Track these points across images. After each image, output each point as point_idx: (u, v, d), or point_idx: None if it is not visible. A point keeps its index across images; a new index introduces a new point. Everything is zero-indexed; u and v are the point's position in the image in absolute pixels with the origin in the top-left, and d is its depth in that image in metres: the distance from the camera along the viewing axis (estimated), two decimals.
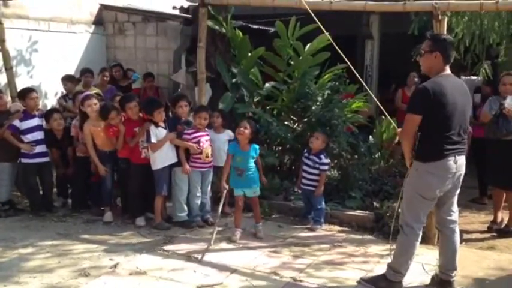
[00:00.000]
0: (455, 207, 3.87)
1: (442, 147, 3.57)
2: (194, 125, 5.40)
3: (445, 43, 3.67)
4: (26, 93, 5.81)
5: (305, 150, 5.68)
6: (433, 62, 3.66)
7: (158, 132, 5.24)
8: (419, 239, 3.79)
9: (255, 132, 5.01)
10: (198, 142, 5.29)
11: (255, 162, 5.05)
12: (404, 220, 3.77)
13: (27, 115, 5.72)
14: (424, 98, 3.55)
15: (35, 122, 5.74)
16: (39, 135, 5.73)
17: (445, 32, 4.68)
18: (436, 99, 3.51)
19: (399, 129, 3.96)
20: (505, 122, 5.12)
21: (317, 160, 5.42)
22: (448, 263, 3.87)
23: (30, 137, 5.67)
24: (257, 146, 5.04)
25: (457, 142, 3.62)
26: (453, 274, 3.85)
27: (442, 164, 3.58)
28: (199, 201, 5.45)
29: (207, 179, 5.50)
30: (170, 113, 6.22)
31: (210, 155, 5.33)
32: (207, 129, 5.48)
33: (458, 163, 3.64)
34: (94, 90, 6.75)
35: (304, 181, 5.52)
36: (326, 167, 5.50)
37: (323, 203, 5.44)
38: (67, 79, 7.31)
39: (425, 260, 4.37)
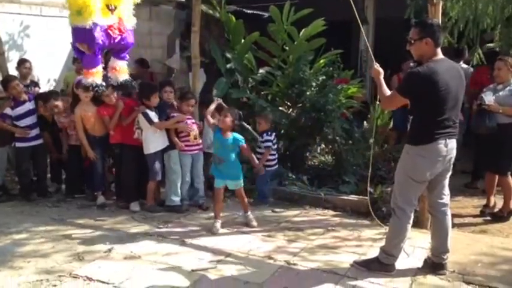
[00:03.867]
0: (446, 191, 3.89)
1: (433, 130, 3.58)
2: (180, 111, 5.40)
3: (433, 27, 3.63)
4: (7, 82, 5.74)
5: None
6: (424, 48, 3.63)
7: (152, 115, 5.24)
8: (411, 221, 3.82)
9: (239, 121, 4.97)
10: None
11: (240, 153, 4.94)
12: (396, 203, 3.79)
13: (17, 102, 5.68)
14: (414, 83, 3.55)
15: (26, 107, 5.71)
16: (32, 119, 5.73)
17: (440, 17, 4.66)
18: (427, 84, 3.49)
19: (384, 92, 3.78)
20: (484, 116, 5.12)
21: (261, 139, 5.64)
22: (440, 246, 3.90)
23: (23, 123, 5.66)
24: (239, 137, 4.87)
25: (448, 126, 3.62)
26: (445, 257, 3.89)
27: (432, 146, 3.60)
28: (187, 186, 5.47)
29: (197, 161, 5.51)
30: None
31: (197, 136, 5.39)
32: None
33: (449, 146, 3.65)
34: None
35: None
36: (269, 144, 5.66)
37: (265, 182, 5.63)
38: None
39: (418, 244, 4.41)
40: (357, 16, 4.60)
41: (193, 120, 5.48)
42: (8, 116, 5.62)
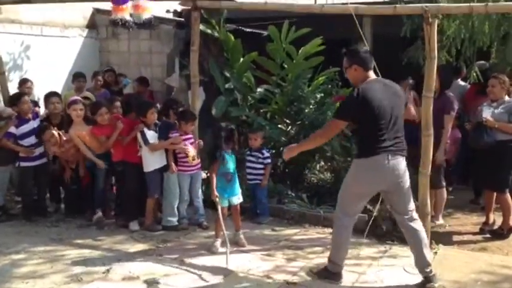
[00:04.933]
0: (410, 207, 3.96)
1: (374, 145, 3.73)
2: (181, 129, 5.39)
3: (359, 54, 3.86)
4: (18, 98, 5.80)
5: (246, 149, 5.96)
6: (354, 74, 3.87)
7: (151, 135, 5.26)
8: (347, 232, 3.94)
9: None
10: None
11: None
12: (336, 211, 4.00)
13: (22, 120, 5.71)
14: (350, 106, 3.80)
15: (30, 125, 5.73)
16: (33, 139, 5.73)
17: (435, 35, 4.71)
18: (361, 104, 3.68)
19: (307, 140, 4.18)
20: (481, 132, 5.18)
21: (260, 155, 5.75)
22: (418, 260, 3.94)
23: (27, 142, 5.67)
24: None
25: (389, 142, 3.74)
26: (428, 270, 3.91)
27: (373, 160, 3.73)
28: (186, 205, 5.48)
29: (196, 181, 5.52)
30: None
31: (196, 157, 5.39)
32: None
33: (392, 163, 3.74)
34: (86, 95, 6.75)
35: (249, 177, 5.79)
36: (270, 160, 5.83)
37: (266, 196, 5.77)
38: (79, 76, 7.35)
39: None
40: (360, 31, 4.72)
41: (192, 141, 5.47)
42: (12, 134, 5.62)
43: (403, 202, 3.92)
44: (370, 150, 3.74)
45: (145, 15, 4.87)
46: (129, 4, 4.70)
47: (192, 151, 5.36)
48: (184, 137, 5.37)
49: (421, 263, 3.92)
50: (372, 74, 3.89)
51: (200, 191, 5.60)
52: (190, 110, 5.77)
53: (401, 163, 3.83)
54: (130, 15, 5.01)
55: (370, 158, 3.74)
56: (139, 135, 5.27)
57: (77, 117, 5.51)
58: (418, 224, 3.96)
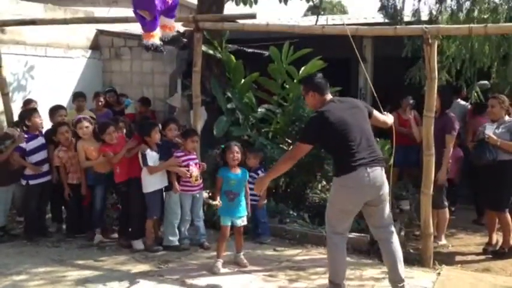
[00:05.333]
0: (387, 220, 3.97)
1: (349, 161, 3.76)
2: (184, 148, 5.40)
3: (313, 81, 4.05)
4: (30, 113, 5.85)
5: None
6: (311, 100, 4.05)
7: (152, 156, 5.27)
8: (340, 250, 3.94)
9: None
10: (187, 166, 5.31)
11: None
12: (326, 231, 4.04)
13: (31, 136, 5.73)
14: (312, 129, 3.91)
15: (39, 141, 5.77)
16: (43, 155, 5.76)
17: (435, 56, 4.75)
18: (322, 125, 3.81)
19: (275, 168, 4.16)
20: (484, 149, 5.20)
21: (256, 176, 5.54)
22: (391, 274, 3.94)
23: (34, 158, 5.69)
24: (246, 170, 5.06)
25: (363, 152, 3.79)
26: (402, 285, 3.90)
27: (352, 176, 3.76)
28: (188, 224, 5.46)
29: (198, 201, 5.52)
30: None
31: (198, 177, 5.39)
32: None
33: (371, 175, 3.77)
34: (89, 114, 6.79)
35: None
36: None
37: (266, 215, 5.71)
38: (80, 95, 7.42)
39: (420, 283, 4.36)
40: (357, 54, 4.75)
41: (196, 161, 5.45)
42: (22, 149, 5.62)
43: (382, 215, 3.95)
44: (347, 167, 3.77)
45: (172, 33, 5.04)
46: (158, 30, 4.86)
47: (195, 171, 5.36)
48: (188, 157, 5.37)
49: (394, 278, 3.93)
50: (328, 97, 4.01)
51: (201, 211, 5.58)
52: (192, 128, 5.80)
53: (380, 174, 3.86)
54: (160, 38, 5.15)
55: (349, 174, 3.77)
56: (140, 156, 5.28)
57: (84, 135, 5.59)
58: (394, 238, 3.97)
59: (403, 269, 3.95)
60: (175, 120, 5.90)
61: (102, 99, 7.81)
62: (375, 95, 4.54)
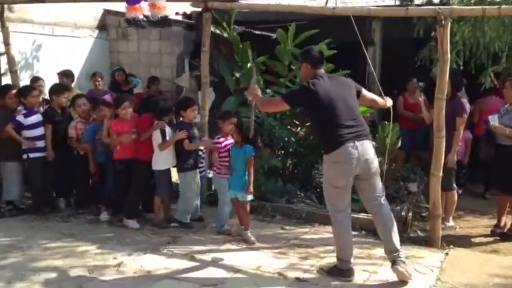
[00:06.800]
0: (378, 192, 4.03)
1: (336, 135, 3.83)
2: (221, 131, 5.22)
3: (308, 53, 4.14)
4: (28, 91, 5.84)
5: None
6: (304, 71, 4.13)
7: (169, 133, 5.29)
8: (344, 227, 4.00)
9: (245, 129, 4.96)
10: (228, 151, 5.09)
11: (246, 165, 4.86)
12: (328, 210, 4.09)
13: (30, 111, 5.74)
14: (298, 95, 4.04)
15: (38, 117, 5.78)
16: (41, 131, 5.77)
17: (448, 38, 4.71)
18: (311, 93, 3.87)
19: (261, 99, 4.29)
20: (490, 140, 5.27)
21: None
22: (387, 245, 4.00)
23: (34, 133, 5.70)
24: (250, 149, 4.85)
25: (350, 127, 3.86)
26: (396, 254, 3.95)
27: (341, 151, 3.82)
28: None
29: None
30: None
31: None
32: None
33: (360, 148, 3.85)
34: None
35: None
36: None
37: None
38: (63, 74, 7.33)
39: (429, 263, 4.38)
40: (359, 35, 4.81)
41: (231, 141, 5.15)
42: (19, 123, 5.64)
43: (374, 188, 4.01)
44: (335, 143, 3.83)
45: (162, 13, 4.96)
46: (143, 3, 4.80)
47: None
48: (229, 142, 5.15)
49: (389, 248, 3.99)
50: (320, 71, 4.07)
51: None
52: (229, 111, 5.74)
53: (368, 147, 3.93)
54: (144, 15, 5.09)
55: (338, 149, 3.82)
56: (158, 133, 5.24)
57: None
58: (386, 209, 4.03)
59: (397, 240, 4.00)
60: (194, 101, 5.83)
61: (99, 79, 7.72)
62: (377, 82, 4.56)
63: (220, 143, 5.16)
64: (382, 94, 4.52)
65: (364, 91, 4.27)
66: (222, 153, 5.13)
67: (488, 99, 6.91)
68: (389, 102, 4.49)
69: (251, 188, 4.87)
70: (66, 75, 7.31)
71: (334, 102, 3.87)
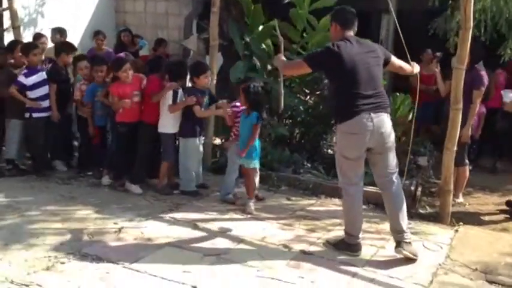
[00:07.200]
0: (391, 168, 3.83)
1: (352, 105, 3.63)
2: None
3: (339, 13, 3.89)
4: (30, 49, 5.62)
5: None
6: (333, 31, 3.89)
7: (181, 96, 5.12)
8: (354, 201, 3.83)
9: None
10: (239, 118, 4.99)
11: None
12: (340, 183, 3.93)
13: (31, 70, 5.55)
14: (323, 55, 3.73)
15: (41, 76, 5.60)
16: (45, 90, 5.61)
17: (472, 7, 4.46)
18: (335, 56, 3.63)
19: (282, 62, 4.06)
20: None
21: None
22: (394, 224, 3.85)
23: (36, 93, 5.54)
24: (253, 116, 4.73)
25: (368, 97, 3.65)
26: (401, 235, 3.80)
27: (356, 121, 3.64)
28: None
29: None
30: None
31: None
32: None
33: (375, 120, 3.66)
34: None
35: None
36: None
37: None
38: (58, 31, 7.10)
39: (439, 240, 4.26)
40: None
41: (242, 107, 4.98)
42: (23, 84, 5.47)
43: (386, 163, 3.82)
44: (350, 112, 3.64)
45: None
46: None
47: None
48: (240, 108, 5.00)
49: (395, 227, 3.84)
50: (349, 33, 3.82)
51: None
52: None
53: (386, 120, 3.74)
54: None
55: (352, 119, 3.63)
56: (170, 94, 5.06)
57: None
58: (397, 188, 3.86)
59: (405, 221, 3.84)
60: (208, 67, 5.59)
61: (102, 38, 7.49)
62: (405, 47, 4.30)
63: (238, 106, 5.01)
64: (410, 60, 4.29)
65: (393, 58, 4.03)
66: (235, 120, 5.01)
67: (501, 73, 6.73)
68: (416, 68, 4.26)
69: (245, 152, 4.74)
70: (60, 31, 7.09)
71: (356, 68, 3.64)
